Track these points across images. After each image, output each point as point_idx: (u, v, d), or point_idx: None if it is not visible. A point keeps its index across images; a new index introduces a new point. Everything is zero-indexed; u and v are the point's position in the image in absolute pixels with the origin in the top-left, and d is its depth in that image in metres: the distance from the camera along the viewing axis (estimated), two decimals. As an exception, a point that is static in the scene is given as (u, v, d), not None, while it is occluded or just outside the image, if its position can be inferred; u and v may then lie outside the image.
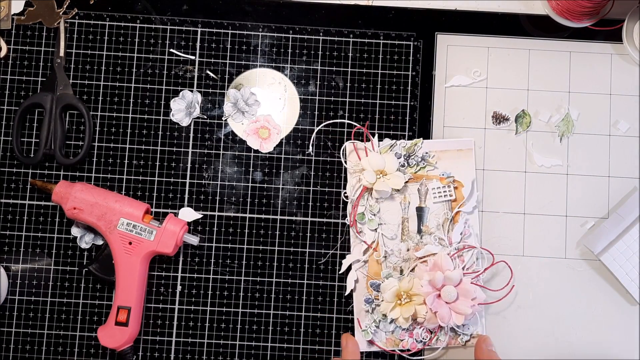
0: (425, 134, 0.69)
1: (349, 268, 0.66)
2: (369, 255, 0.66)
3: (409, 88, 0.69)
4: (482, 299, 0.64)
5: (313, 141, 0.68)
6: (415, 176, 0.67)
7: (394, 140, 0.68)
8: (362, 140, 0.68)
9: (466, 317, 0.63)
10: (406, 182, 0.66)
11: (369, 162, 0.66)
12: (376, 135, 0.68)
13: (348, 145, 0.67)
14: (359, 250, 0.66)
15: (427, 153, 0.67)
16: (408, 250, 0.66)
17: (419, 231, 0.66)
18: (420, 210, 0.66)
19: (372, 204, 0.66)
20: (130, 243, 0.64)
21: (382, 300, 0.64)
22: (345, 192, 0.67)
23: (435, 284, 0.63)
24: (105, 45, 0.69)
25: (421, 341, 0.65)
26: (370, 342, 0.65)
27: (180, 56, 0.69)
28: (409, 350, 0.65)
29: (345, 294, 0.66)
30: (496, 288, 0.66)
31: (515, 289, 0.66)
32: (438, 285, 0.63)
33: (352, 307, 0.66)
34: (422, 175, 0.67)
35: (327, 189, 0.68)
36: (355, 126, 0.68)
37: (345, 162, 0.67)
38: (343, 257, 0.67)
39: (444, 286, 0.63)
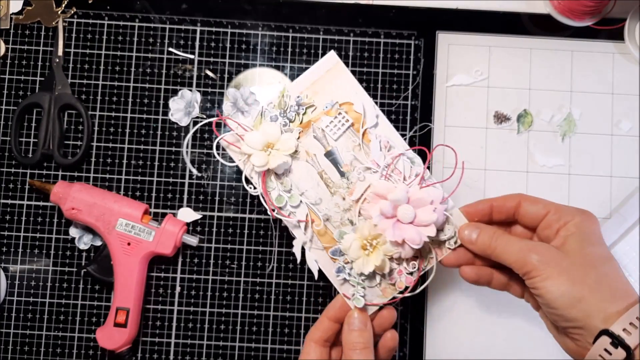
0: (426, 133, 0.68)
1: (304, 253, 0.60)
2: (312, 229, 0.59)
3: (410, 87, 0.69)
4: (440, 197, 0.56)
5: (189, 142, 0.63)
6: (303, 126, 0.60)
7: (259, 105, 0.62)
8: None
9: (437, 224, 0.56)
10: (298, 137, 0.59)
11: (248, 145, 0.58)
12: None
13: (221, 141, 0.59)
14: (300, 232, 0.59)
15: (298, 97, 0.60)
16: (344, 199, 0.59)
17: (342, 175, 0.59)
18: (330, 155, 0.59)
19: (282, 181, 0.59)
20: (129, 244, 0.64)
21: (352, 262, 0.58)
22: (250, 187, 0.59)
23: (386, 212, 0.56)
24: (103, 44, 0.69)
25: (412, 272, 0.59)
26: (367, 305, 0.59)
27: (179, 55, 0.69)
28: (407, 287, 0.59)
29: (316, 278, 0.59)
30: (447, 175, 0.59)
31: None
32: (390, 212, 0.56)
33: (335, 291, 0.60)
34: (309, 122, 0.60)
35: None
36: (213, 119, 0.61)
37: (228, 159, 0.60)
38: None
39: (397, 209, 0.56)
